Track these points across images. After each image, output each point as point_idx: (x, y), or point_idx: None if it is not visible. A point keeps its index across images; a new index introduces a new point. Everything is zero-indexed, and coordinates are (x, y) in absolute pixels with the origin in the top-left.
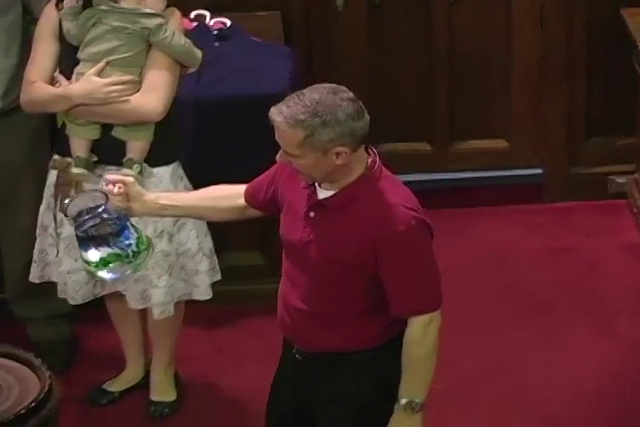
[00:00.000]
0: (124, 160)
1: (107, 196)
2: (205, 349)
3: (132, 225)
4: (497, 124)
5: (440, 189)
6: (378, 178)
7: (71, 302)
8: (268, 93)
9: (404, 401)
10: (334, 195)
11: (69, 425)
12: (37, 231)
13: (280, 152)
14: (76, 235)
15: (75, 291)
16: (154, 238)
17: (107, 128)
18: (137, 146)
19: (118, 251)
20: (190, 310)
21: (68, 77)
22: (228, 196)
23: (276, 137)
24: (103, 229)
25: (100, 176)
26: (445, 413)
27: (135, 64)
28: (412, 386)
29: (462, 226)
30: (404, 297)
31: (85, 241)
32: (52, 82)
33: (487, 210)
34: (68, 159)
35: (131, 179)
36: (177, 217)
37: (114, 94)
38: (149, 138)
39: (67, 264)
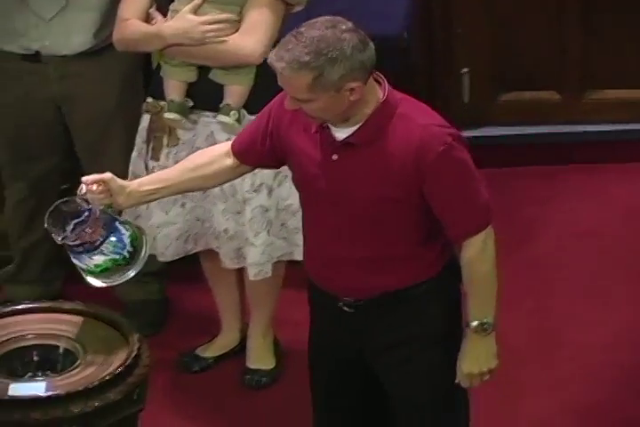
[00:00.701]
0: (221, 106)
1: (87, 201)
2: (307, 313)
3: (123, 222)
4: (636, 71)
5: (569, 142)
6: (396, 103)
7: (160, 258)
8: (382, 35)
9: (474, 324)
10: (357, 131)
11: (159, 393)
12: (128, 180)
13: (287, 99)
14: (66, 246)
15: (164, 246)
16: (251, 193)
17: (204, 70)
18: (235, 91)
19: (114, 256)
20: (291, 272)
21: (166, 14)
22: (213, 159)
23: (281, 84)
24: (92, 235)
25: (195, 122)
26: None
27: (234, 1)
28: (480, 306)
29: (597, 185)
30: (458, 220)
31: (76, 251)
32: (148, 19)
33: (623, 167)
34: (162, 103)
35: (109, 175)
36: (170, 196)
37: (210, 34)
38: (249, 82)
39: (157, 217)
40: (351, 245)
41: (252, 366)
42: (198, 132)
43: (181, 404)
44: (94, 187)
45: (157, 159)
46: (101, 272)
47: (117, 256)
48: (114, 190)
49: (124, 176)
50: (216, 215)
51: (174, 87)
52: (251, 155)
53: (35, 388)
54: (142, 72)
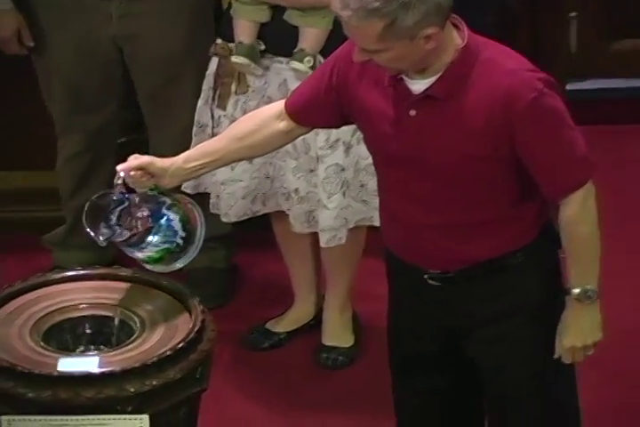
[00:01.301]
0: (295, 51)
1: (124, 190)
2: None
3: (170, 204)
4: None
5: None
6: (478, 48)
7: (224, 218)
8: None
9: (577, 291)
10: (436, 82)
11: (223, 372)
12: (194, 131)
13: (355, 50)
14: (114, 242)
15: (228, 206)
16: (325, 149)
17: (278, 10)
18: (311, 34)
19: (166, 246)
20: (372, 239)
21: None
22: (262, 124)
23: (348, 34)
24: (137, 228)
25: (267, 69)
26: None
27: None
28: (582, 272)
29: None
30: (554, 175)
31: (124, 245)
32: None
33: None
34: (232, 45)
35: (146, 159)
36: (220, 168)
37: None
38: (327, 26)
39: (221, 174)
40: (434, 211)
41: (328, 344)
42: (270, 80)
43: (248, 384)
44: (132, 173)
45: (224, 108)
46: (156, 262)
47: (170, 245)
48: (155, 173)
49: (189, 127)
50: (287, 173)
51: (244, 28)
52: (309, 114)
53: (86, 364)
54: (213, 11)
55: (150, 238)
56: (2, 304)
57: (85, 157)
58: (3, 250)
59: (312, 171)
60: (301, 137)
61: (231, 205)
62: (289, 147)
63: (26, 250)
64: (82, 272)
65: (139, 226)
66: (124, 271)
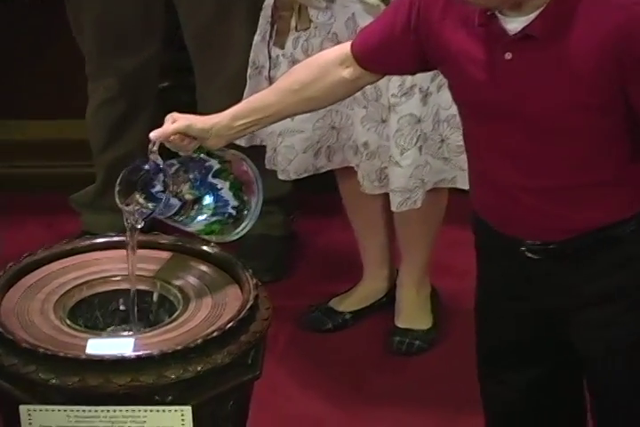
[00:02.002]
0: None
1: (157, 161)
2: (475, 258)
3: (218, 170)
4: None
5: None
6: None
7: (281, 176)
8: None
9: None
10: (536, 19)
11: (280, 356)
12: (248, 73)
13: None
14: (160, 219)
15: (287, 160)
16: (398, 97)
17: None
18: None
19: (217, 218)
20: (455, 204)
21: None
22: (324, 71)
23: None
24: (180, 200)
25: (332, 1)
26: None
27: None
28: None
29: None
30: None
31: (171, 221)
32: None
33: None
34: None
35: (183, 123)
36: (272, 124)
37: None
38: None
39: (279, 123)
40: (534, 172)
41: (402, 326)
42: (336, 14)
43: (307, 372)
44: (171, 138)
45: (282, 46)
46: (208, 234)
47: (221, 217)
48: (198, 136)
49: (242, 69)
50: (355, 124)
51: None
52: (381, 59)
53: (120, 345)
54: None
55: (198, 213)
56: (22, 275)
57: (120, 103)
58: (23, 212)
59: (383, 121)
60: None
61: (290, 159)
62: (357, 93)
63: (50, 212)
64: (115, 239)
65: (183, 198)
66: (165, 238)
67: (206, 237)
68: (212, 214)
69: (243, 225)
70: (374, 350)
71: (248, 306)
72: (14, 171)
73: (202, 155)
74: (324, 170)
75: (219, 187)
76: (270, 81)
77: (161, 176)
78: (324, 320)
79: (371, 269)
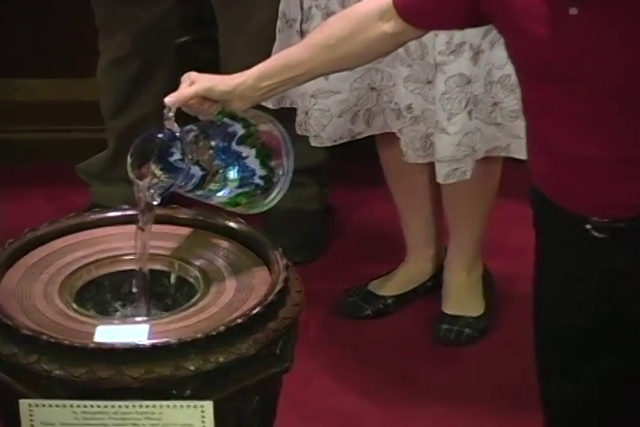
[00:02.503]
0: None
1: (178, 127)
2: (532, 237)
3: (241, 137)
4: None
5: None
6: None
7: (314, 142)
8: None
9: None
10: None
11: (313, 346)
12: (278, 26)
13: None
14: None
15: (320, 126)
16: (446, 55)
17: None
18: None
19: (243, 190)
20: (510, 176)
21: None
22: (362, 25)
23: None
24: (201, 171)
25: None
26: None
27: None
28: None
29: None
30: None
31: (193, 194)
32: None
33: None
34: None
35: (203, 85)
36: (302, 85)
37: None
38: None
39: (311, 83)
40: (603, 141)
41: (451, 312)
42: None
43: (344, 364)
44: (189, 102)
45: None
46: (234, 207)
47: (248, 188)
48: (219, 99)
49: (271, 21)
50: (397, 84)
51: None
52: (427, 11)
53: (133, 333)
54: None
55: (220, 183)
56: (23, 254)
57: (134, 61)
58: (24, 183)
59: (429, 82)
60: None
61: (324, 124)
62: (400, 50)
63: (54, 183)
64: (129, 213)
65: (205, 168)
66: (184, 213)
67: (232, 209)
68: (238, 186)
69: (272, 196)
70: (419, 339)
71: (277, 289)
72: (14, 136)
73: (224, 118)
74: (361, 136)
75: (244, 155)
76: (302, 35)
77: (179, 144)
78: (363, 306)
79: (415, 248)
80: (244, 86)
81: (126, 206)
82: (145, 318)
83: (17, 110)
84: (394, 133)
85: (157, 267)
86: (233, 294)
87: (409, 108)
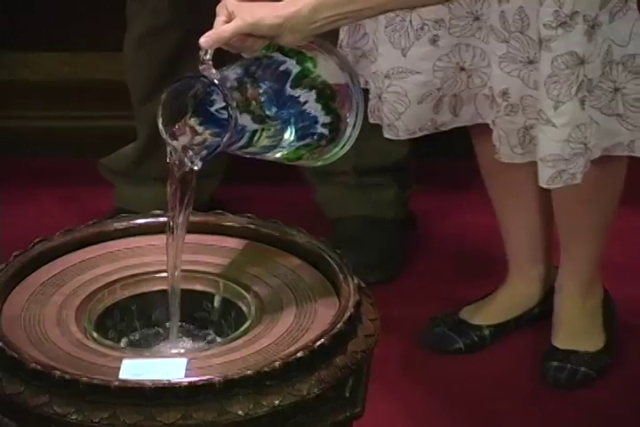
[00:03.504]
0: None
1: (217, 72)
2: None
3: (299, 72)
4: None
5: None
6: None
7: (388, 133)
8: None
9: None
10: None
11: (390, 386)
12: None
13: None
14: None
15: (395, 113)
16: (553, 28)
17: None
18: None
19: (305, 142)
20: (636, 179)
21: None
22: None
23: None
24: (256, 116)
25: None
26: None
27: None
28: None
29: None
30: None
31: (246, 153)
32: None
33: None
34: None
35: (246, 17)
36: (362, 19)
37: None
38: None
39: (385, 60)
40: None
41: (562, 346)
42: None
43: (428, 407)
44: (232, 40)
45: None
46: (296, 161)
47: (310, 139)
48: (267, 34)
49: None
50: (491, 64)
51: None
52: None
53: (166, 368)
54: None
55: (275, 137)
56: (32, 269)
57: (173, 31)
58: (34, 182)
59: (531, 62)
60: (517, 5)
61: (400, 112)
62: (495, 20)
63: (71, 182)
64: (162, 220)
65: (256, 118)
66: (232, 220)
67: (292, 164)
68: (298, 138)
69: (340, 145)
70: (521, 379)
71: (346, 316)
72: (22, 124)
73: (273, 54)
74: (447, 128)
75: (302, 100)
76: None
77: (220, 91)
78: (453, 337)
79: (518, 266)
80: (298, 18)
81: (158, 212)
82: (182, 351)
83: (27, 91)
84: (489, 125)
85: (198, 287)
86: (292, 321)
87: (504, 93)
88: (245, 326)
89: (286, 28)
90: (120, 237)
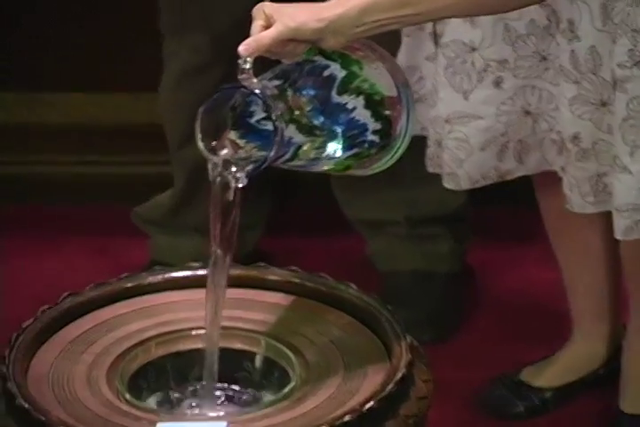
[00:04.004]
0: None
1: (257, 81)
2: None
3: (345, 77)
4: None
5: None
6: None
7: (448, 183)
8: None
9: None
10: None
11: None
12: (405, 29)
13: None
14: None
15: (457, 161)
16: (628, 67)
17: None
18: None
19: (353, 151)
20: None
21: None
22: None
23: None
24: (301, 126)
25: None
26: None
27: None
28: None
29: None
30: None
31: (292, 166)
32: None
33: None
34: None
35: (285, 24)
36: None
37: None
38: None
39: (446, 104)
40: None
41: (631, 411)
42: None
43: None
44: (273, 48)
45: None
46: (344, 171)
47: (359, 148)
48: (309, 39)
49: None
50: (561, 107)
51: None
52: None
53: None
54: None
55: (322, 149)
56: (60, 325)
57: (214, 71)
58: (62, 231)
59: (604, 104)
60: (589, 44)
61: (461, 159)
62: (565, 60)
63: (102, 232)
64: (200, 273)
65: (301, 129)
66: (276, 273)
67: (340, 174)
68: (347, 147)
69: (391, 153)
70: None
71: (397, 377)
72: (49, 169)
73: (315, 58)
74: (512, 176)
75: (349, 107)
76: (436, 39)
77: (261, 101)
78: (513, 400)
79: (584, 324)
80: (344, 20)
81: (196, 264)
82: (221, 414)
83: (54, 135)
84: (556, 173)
85: (238, 345)
86: (339, 382)
87: (575, 138)
88: (289, 387)
89: (329, 30)
90: (155, 292)
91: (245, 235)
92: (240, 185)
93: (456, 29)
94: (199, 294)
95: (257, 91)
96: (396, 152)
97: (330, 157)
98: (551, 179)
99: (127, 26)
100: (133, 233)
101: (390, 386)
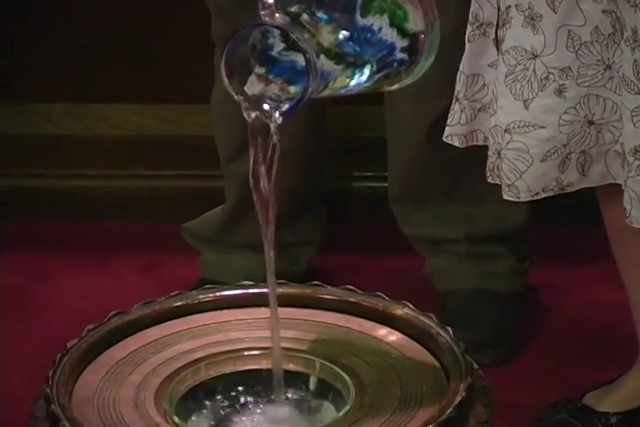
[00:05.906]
0: None
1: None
2: None
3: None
4: None
5: None
6: None
7: (507, 195)
8: None
9: None
10: None
11: None
12: (467, 33)
13: None
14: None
15: (516, 172)
16: None
17: None
18: None
19: (384, 72)
20: None
21: None
22: None
23: None
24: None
25: None
26: None
27: None
28: None
29: None
30: None
31: (327, 92)
32: None
33: None
34: None
35: None
36: None
37: None
38: None
39: (506, 113)
40: None
41: None
42: None
43: None
44: None
45: None
46: (376, 90)
47: (389, 69)
48: None
49: (459, 27)
50: (624, 118)
51: None
52: None
53: None
54: None
55: (351, 75)
56: (107, 346)
57: None
58: (107, 248)
59: None
60: None
61: (521, 170)
62: (628, 69)
63: (150, 249)
64: (252, 291)
65: (330, 56)
66: (330, 292)
67: (373, 92)
68: (377, 70)
69: (420, 65)
70: None
71: (456, 401)
72: (96, 184)
73: None
74: (574, 188)
75: (375, 27)
76: (498, 46)
77: (283, 32)
78: (576, 425)
79: None
80: None
81: (248, 282)
82: None
83: (102, 147)
84: (619, 186)
85: (291, 366)
86: (395, 406)
87: (637, 151)
88: (344, 410)
89: None
90: (205, 311)
91: (300, 252)
92: (277, 122)
93: (517, 35)
94: (250, 313)
95: (282, 26)
96: (425, 63)
97: (360, 83)
98: (616, 191)
99: (180, 37)
100: (183, 250)
101: (449, 410)
